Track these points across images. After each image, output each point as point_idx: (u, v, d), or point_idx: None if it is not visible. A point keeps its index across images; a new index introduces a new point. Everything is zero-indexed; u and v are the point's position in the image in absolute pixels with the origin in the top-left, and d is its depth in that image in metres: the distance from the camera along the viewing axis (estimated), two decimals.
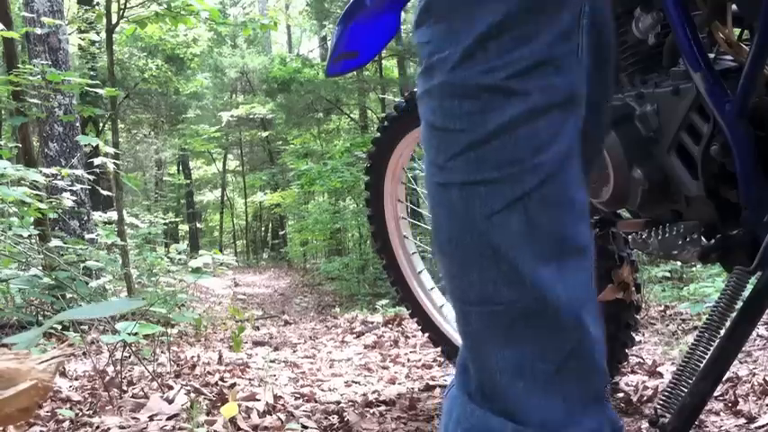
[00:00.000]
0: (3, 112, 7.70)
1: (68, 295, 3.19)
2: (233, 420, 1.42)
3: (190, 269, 3.09)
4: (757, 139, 0.87)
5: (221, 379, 1.98)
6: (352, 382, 2.02)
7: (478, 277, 0.58)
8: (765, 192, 0.86)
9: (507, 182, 0.56)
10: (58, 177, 3.73)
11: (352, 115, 15.34)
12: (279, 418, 1.48)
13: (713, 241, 0.96)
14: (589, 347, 0.57)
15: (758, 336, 2.24)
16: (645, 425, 1.40)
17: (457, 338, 1.94)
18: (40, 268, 3.34)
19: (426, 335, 2.05)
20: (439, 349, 2.06)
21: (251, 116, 16.60)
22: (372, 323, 3.62)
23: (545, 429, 0.56)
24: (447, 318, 2.00)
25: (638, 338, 2.46)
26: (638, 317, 1.52)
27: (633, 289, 1.48)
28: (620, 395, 1.65)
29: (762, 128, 0.88)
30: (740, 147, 0.86)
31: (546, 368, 0.56)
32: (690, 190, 1.01)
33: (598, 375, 0.58)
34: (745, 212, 0.89)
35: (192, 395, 1.67)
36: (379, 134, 1.99)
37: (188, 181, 19.89)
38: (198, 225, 20.83)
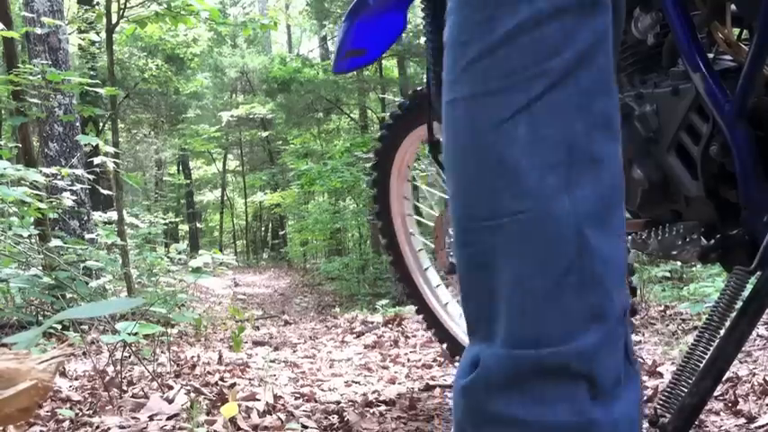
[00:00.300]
0: (3, 112, 7.70)
1: (68, 295, 3.19)
2: (233, 420, 1.42)
3: (190, 269, 3.09)
4: (757, 139, 0.87)
5: (221, 379, 1.98)
6: (353, 382, 2.02)
7: (485, 190, 0.57)
8: (765, 192, 0.86)
9: (513, 90, 0.55)
10: (58, 177, 3.73)
11: (352, 115, 15.34)
12: (279, 418, 1.48)
13: (713, 241, 0.96)
14: (590, 262, 0.56)
15: (758, 336, 2.24)
16: (645, 425, 1.40)
17: (461, 336, 1.95)
18: (40, 268, 3.34)
19: (431, 332, 2.06)
20: (444, 346, 2.06)
21: (251, 116, 16.60)
22: (372, 323, 3.62)
23: (540, 345, 0.55)
24: (452, 315, 2.01)
25: (638, 338, 2.46)
26: (633, 320, 1.52)
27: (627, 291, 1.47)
28: None
29: (761, 128, 0.88)
30: (739, 147, 0.86)
31: (544, 283, 0.55)
32: (689, 190, 1.01)
33: (601, 291, 0.57)
34: (745, 212, 0.89)
35: (192, 395, 1.67)
36: (384, 131, 1.99)
37: (188, 181, 19.88)
38: (198, 225, 20.83)
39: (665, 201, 1.07)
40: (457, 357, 2.14)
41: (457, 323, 1.99)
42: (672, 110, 1.01)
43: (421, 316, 2.07)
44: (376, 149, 2.05)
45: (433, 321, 2.03)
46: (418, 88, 1.84)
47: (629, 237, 1.15)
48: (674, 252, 1.03)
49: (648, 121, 1.05)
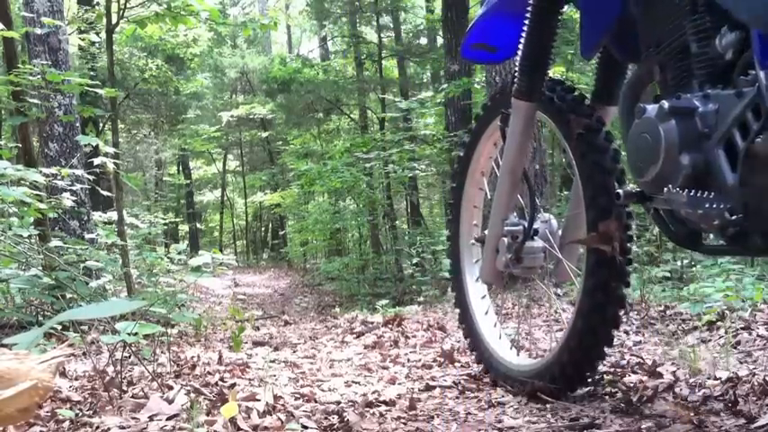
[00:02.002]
0: (3, 112, 7.70)
1: (68, 295, 3.18)
2: (233, 420, 1.41)
3: (190, 269, 3.10)
4: None
5: (221, 379, 1.98)
6: (352, 382, 2.02)
7: None
8: None
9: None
10: (58, 177, 3.72)
11: (352, 115, 15.33)
12: (279, 418, 1.48)
13: (734, 217, 1.09)
14: None
15: (758, 336, 2.24)
16: (645, 425, 1.40)
17: (493, 345, 1.95)
18: (40, 268, 3.34)
19: (467, 340, 2.08)
20: (468, 340, 2.09)
21: (251, 116, 16.59)
22: (372, 323, 3.62)
23: None
24: (489, 326, 2.03)
25: (638, 338, 2.46)
26: (632, 318, 1.56)
27: (619, 244, 1.52)
28: (620, 395, 1.65)
29: None
30: None
31: None
32: (725, 180, 1.13)
33: None
34: None
35: (192, 395, 1.67)
36: (466, 137, 2.06)
37: (188, 181, 19.87)
38: (198, 225, 20.82)
39: (703, 186, 1.20)
40: (457, 357, 2.15)
41: (489, 332, 2.00)
42: (730, 109, 1.14)
43: (462, 326, 2.10)
44: (459, 156, 2.13)
45: (470, 331, 2.05)
46: (498, 90, 1.94)
47: (666, 188, 1.24)
48: (700, 211, 1.13)
49: (707, 117, 1.19)
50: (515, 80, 1.65)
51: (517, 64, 1.62)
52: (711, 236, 1.29)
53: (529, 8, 1.56)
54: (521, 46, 1.60)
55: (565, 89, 1.68)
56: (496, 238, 1.76)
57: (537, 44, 1.57)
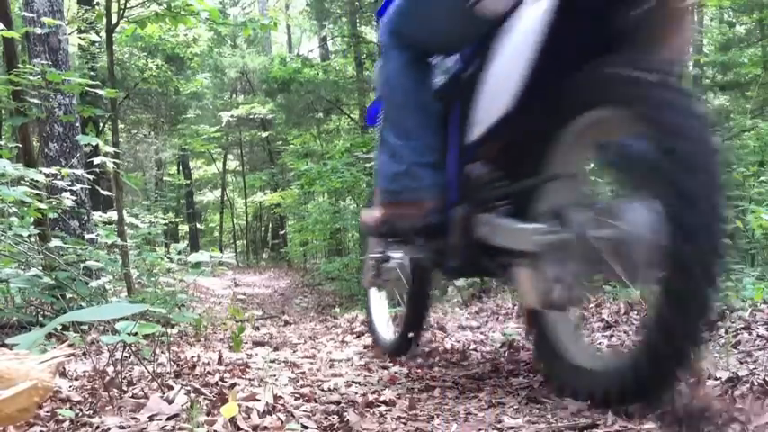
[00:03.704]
0: (3, 112, 7.70)
1: (68, 295, 3.19)
2: (233, 420, 1.41)
3: (189, 266, 3.10)
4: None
5: (221, 379, 1.98)
6: (353, 382, 2.03)
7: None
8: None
9: None
10: (58, 177, 3.73)
11: (352, 115, 15.33)
12: (279, 418, 1.48)
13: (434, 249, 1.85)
14: None
15: (758, 336, 2.24)
16: (645, 425, 1.40)
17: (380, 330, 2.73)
18: (40, 268, 3.34)
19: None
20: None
21: (251, 116, 16.60)
22: None
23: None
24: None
25: (638, 338, 2.46)
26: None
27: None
28: None
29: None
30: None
31: None
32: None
33: None
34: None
35: (192, 395, 1.67)
36: None
37: (188, 181, 19.88)
38: (198, 225, 20.83)
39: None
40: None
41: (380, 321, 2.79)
42: None
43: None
44: None
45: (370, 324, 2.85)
46: None
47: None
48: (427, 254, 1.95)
49: None
50: None
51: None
52: None
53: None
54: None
55: None
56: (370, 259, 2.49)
57: None
